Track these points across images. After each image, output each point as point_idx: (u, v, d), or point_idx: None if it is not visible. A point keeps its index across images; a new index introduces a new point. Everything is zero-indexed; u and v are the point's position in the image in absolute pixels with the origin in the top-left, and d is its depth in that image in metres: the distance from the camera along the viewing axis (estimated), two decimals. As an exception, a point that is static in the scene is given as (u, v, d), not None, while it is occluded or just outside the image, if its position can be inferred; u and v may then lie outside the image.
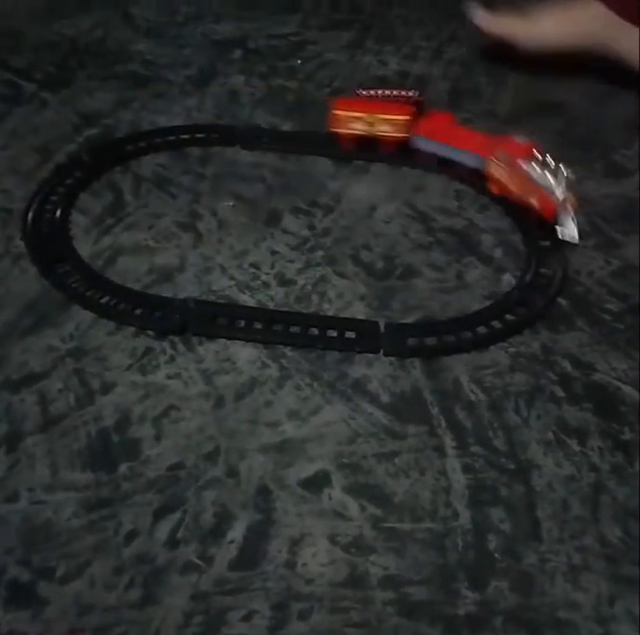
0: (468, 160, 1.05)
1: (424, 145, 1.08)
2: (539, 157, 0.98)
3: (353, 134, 1.09)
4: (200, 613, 0.64)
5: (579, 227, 0.99)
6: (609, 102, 1.25)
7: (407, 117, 1.08)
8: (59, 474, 0.72)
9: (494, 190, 1.04)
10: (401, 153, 1.09)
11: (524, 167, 0.97)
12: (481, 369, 0.84)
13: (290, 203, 1.03)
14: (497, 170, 1.02)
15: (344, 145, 1.10)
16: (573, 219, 0.96)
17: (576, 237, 0.96)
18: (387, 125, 1.07)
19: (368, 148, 1.10)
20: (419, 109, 1.15)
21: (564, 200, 0.95)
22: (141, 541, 0.68)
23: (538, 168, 0.96)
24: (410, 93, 1.16)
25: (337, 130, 1.09)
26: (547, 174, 0.95)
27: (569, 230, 0.96)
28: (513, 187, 1.00)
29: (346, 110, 1.08)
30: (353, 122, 1.07)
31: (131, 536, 0.68)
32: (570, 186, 0.96)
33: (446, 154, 1.07)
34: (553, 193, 0.95)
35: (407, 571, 0.67)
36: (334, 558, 0.68)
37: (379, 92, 1.16)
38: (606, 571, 0.68)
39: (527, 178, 0.97)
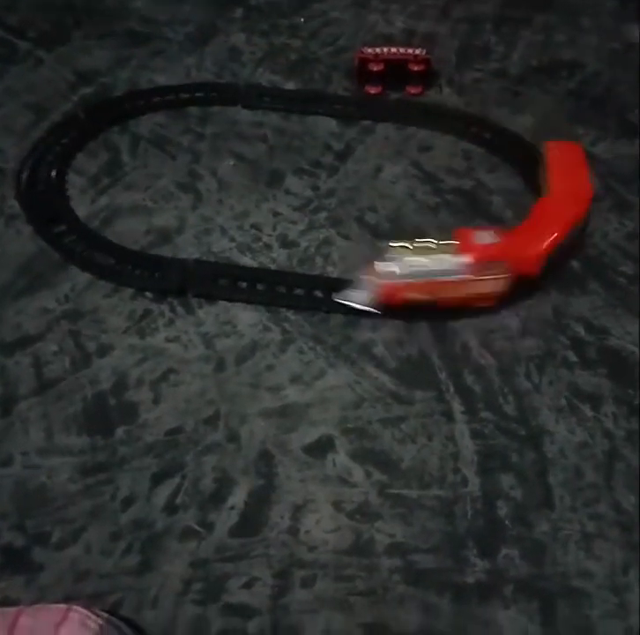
0: None
1: None
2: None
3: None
4: (199, 580, 0.62)
5: (594, 190, 0.96)
6: (621, 61, 1.21)
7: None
8: (54, 438, 0.70)
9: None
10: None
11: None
12: (491, 333, 0.81)
13: (293, 163, 1.00)
14: None
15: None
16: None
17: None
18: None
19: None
20: (426, 68, 1.11)
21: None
22: (138, 507, 0.66)
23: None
24: (417, 52, 1.12)
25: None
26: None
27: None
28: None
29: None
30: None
31: (129, 501, 0.66)
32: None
33: None
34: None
35: (414, 538, 0.65)
36: (338, 525, 0.66)
37: (385, 50, 1.12)
38: (619, 539, 0.66)
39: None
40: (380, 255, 0.81)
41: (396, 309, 0.81)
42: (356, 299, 0.81)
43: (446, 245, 0.81)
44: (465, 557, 0.64)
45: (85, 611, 0.54)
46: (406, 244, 0.82)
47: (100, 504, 0.65)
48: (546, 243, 0.82)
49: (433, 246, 0.81)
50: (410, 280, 0.80)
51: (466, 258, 0.80)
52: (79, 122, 1.03)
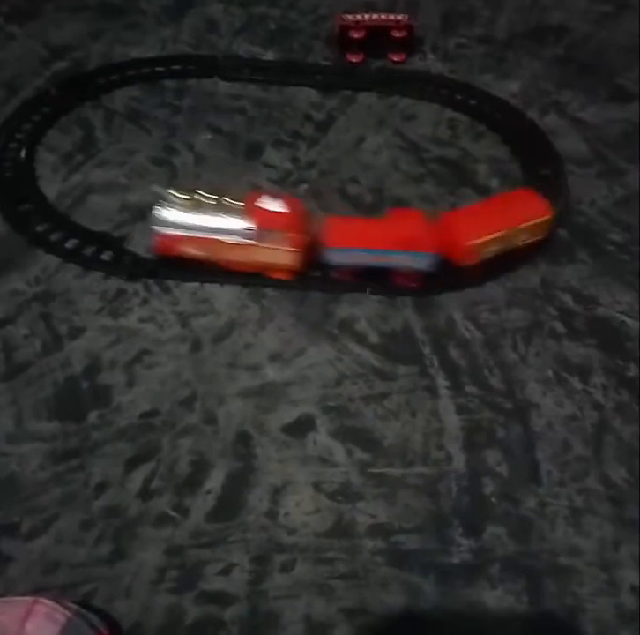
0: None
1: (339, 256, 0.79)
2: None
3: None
4: (175, 568, 0.60)
5: (581, 156, 0.93)
6: (611, 24, 1.17)
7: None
8: (24, 424, 0.68)
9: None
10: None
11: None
12: (476, 306, 0.79)
13: (272, 135, 0.97)
14: None
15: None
16: None
17: None
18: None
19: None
20: (409, 34, 1.08)
21: None
22: (112, 493, 0.64)
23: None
24: (399, 18, 1.08)
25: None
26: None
27: None
28: None
29: None
30: None
31: (101, 488, 0.64)
32: None
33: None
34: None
35: (397, 518, 0.63)
36: (319, 507, 0.64)
37: (366, 16, 1.08)
38: (609, 514, 0.64)
39: None
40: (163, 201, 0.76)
41: (174, 259, 0.78)
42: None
43: (232, 205, 0.77)
44: (450, 537, 0.62)
45: (52, 603, 0.52)
46: (189, 196, 0.77)
47: (72, 492, 0.63)
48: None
49: (218, 202, 0.77)
50: (186, 233, 0.76)
51: (250, 222, 0.76)
52: (51, 98, 0.99)
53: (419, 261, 0.77)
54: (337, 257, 0.78)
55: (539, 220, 0.80)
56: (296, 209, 0.77)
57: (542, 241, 0.83)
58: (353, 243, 0.77)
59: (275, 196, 0.77)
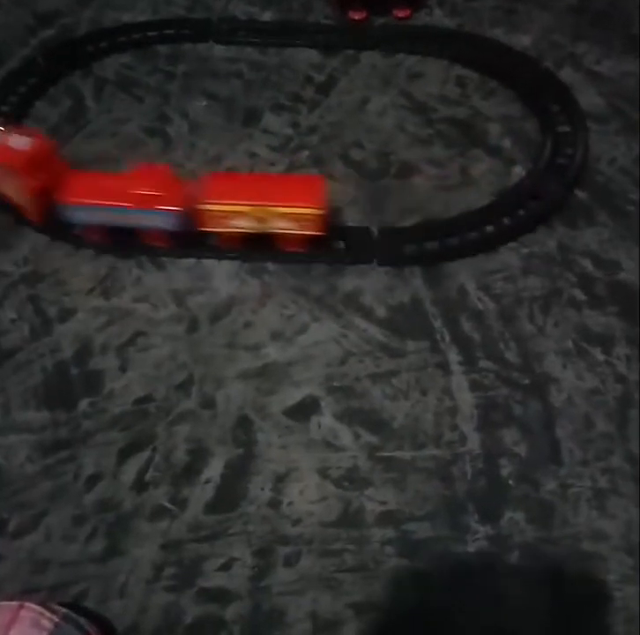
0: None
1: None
2: None
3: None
4: (172, 564, 0.56)
5: (599, 111, 0.88)
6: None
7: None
8: (11, 414, 0.64)
9: None
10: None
11: None
12: (490, 274, 0.74)
13: (271, 99, 0.92)
14: None
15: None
16: None
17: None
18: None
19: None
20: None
21: None
22: (104, 486, 0.60)
23: None
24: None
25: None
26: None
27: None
28: None
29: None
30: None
31: (93, 480, 0.61)
32: None
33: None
34: None
35: (408, 505, 0.59)
36: (325, 494, 0.60)
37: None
38: (636, 495, 0.60)
39: None
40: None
41: None
42: None
43: None
44: (465, 524, 0.58)
45: (38, 608, 0.48)
46: None
47: (62, 485, 0.60)
48: None
49: None
50: None
51: None
52: (38, 67, 0.95)
53: (162, 220, 0.72)
54: (74, 215, 0.72)
55: (300, 211, 0.71)
56: (42, 150, 0.72)
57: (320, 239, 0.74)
58: (90, 200, 0.71)
59: (28, 133, 0.73)
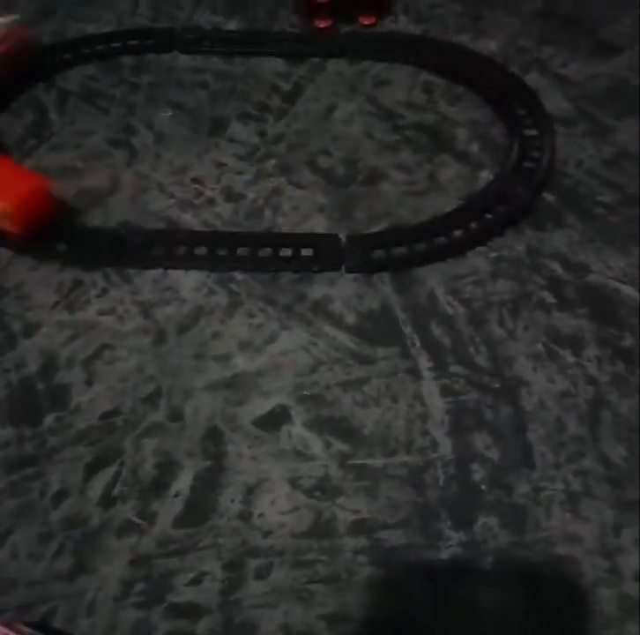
0: None
1: None
2: None
3: None
4: (141, 580, 0.55)
5: (566, 115, 0.88)
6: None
7: None
8: (-26, 431, 0.63)
9: None
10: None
11: None
12: (459, 279, 0.74)
13: (237, 108, 0.92)
14: None
15: None
16: None
17: None
18: None
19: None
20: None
21: None
22: (71, 502, 0.59)
23: None
24: (368, -22, 1.02)
25: None
26: None
27: None
28: None
29: None
30: None
31: (60, 497, 0.59)
32: None
33: None
34: None
35: (381, 513, 0.59)
36: (296, 505, 0.59)
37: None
38: (609, 497, 0.59)
39: None
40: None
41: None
42: None
43: None
44: (439, 530, 0.58)
45: (4, 629, 0.47)
46: None
47: (28, 503, 0.59)
48: None
49: None
50: None
51: None
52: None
53: None
54: None
55: None
56: None
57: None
58: None
59: None
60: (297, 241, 0.76)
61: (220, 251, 0.76)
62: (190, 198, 0.81)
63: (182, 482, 0.60)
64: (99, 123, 0.90)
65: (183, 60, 0.98)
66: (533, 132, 0.87)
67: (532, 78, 0.95)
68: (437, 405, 0.65)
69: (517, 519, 0.58)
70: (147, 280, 0.74)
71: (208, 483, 0.60)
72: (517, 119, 0.89)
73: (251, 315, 0.71)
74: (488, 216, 0.78)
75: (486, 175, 0.84)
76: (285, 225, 0.79)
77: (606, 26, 1.02)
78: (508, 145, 0.86)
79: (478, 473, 0.61)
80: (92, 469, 0.61)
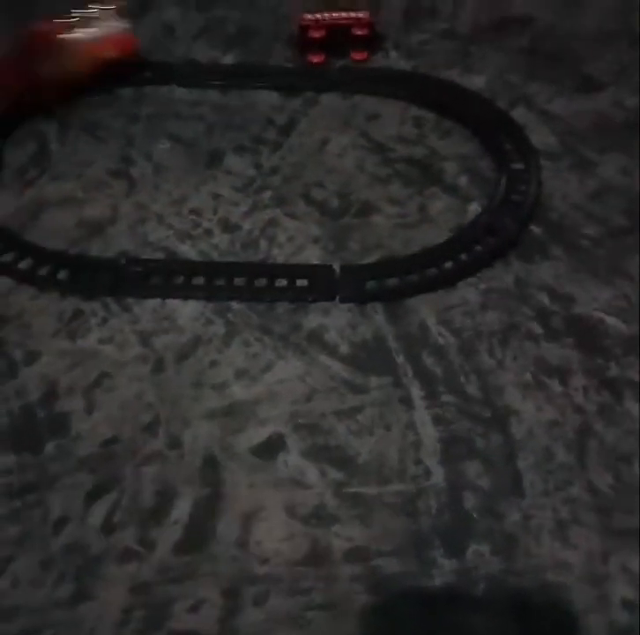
0: None
1: None
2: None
3: None
4: (141, 607, 0.56)
5: (551, 149, 0.91)
6: (574, 13, 1.15)
7: None
8: (-24, 459, 0.64)
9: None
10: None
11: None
12: (450, 310, 0.76)
13: (233, 141, 0.94)
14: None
15: None
16: None
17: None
18: None
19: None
20: (370, 32, 1.05)
21: None
22: (72, 530, 0.60)
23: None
24: (360, 15, 1.05)
25: None
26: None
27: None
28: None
29: None
30: None
31: (61, 524, 0.60)
32: None
33: None
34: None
35: (375, 541, 0.60)
36: (292, 532, 0.60)
37: (326, 15, 1.05)
38: (597, 525, 0.61)
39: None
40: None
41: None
42: None
43: None
44: (432, 558, 0.59)
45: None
46: None
47: (29, 530, 0.60)
48: None
49: None
50: None
51: None
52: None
53: None
54: None
55: None
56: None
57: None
58: None
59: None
60: (292, 271, 0.78)
61: (217, 281, 0.77)
62: (188, 229, 0.83)
63: (181, 510, 0.61)
64: (98, 153, 0.92)
65: (181, 93, 1.00)
66: (520, 166, 0.90)
67: (519, 113, 0.97)
68: (429, 433, 0.66)
69: (507, 547, 0.60)
70: (146, 310, 0.75)
71: (206, 511, 0.61)
72: (504, 153, 0.91)
73: (248, 344, 0.73)
74: (478, 248, 0.80)
75: (474, 208, 0.86)
76: (280, 256, 0.81)
77: (589, 62, 1.05)
78: (496, 178, 0.89)
79: (469, 501, 0.62)
80: (92, 496, 0.62)
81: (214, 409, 0.68)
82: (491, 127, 0.95)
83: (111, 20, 0.96)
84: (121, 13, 0.97)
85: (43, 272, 0.78)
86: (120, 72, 0.98)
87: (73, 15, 0.95)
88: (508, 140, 0.93)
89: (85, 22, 0.94)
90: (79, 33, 0.94)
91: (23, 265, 0.79)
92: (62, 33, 0.93)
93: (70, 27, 0.94)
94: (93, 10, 0.95)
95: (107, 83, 0.98)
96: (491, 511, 0.62)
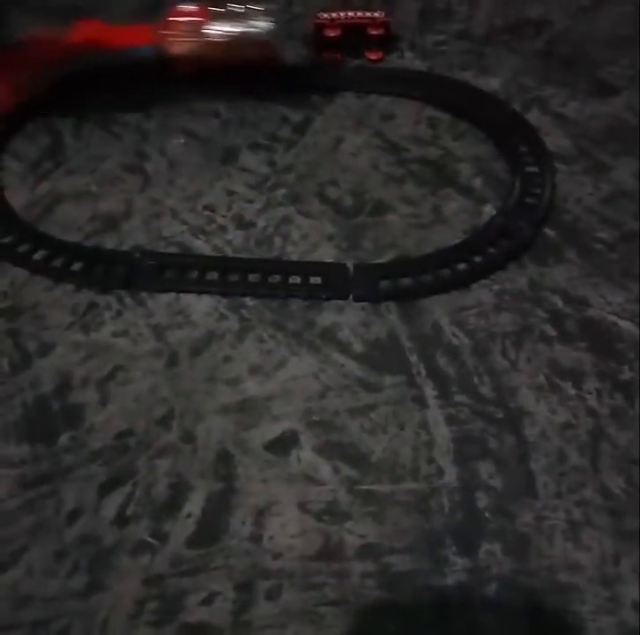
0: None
1: None
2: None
3: None
4: (154, 598, 0.56)
5: (566, 153, 0.91)
6: (590, 17, 1.15)
7: None
8: (-9, 448, 0.64)
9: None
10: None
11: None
12: (463, 310, 0.76)
13: (248, 138, 0.94)
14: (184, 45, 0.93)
15: None
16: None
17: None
18: None
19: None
20: (386, 32, 1.05)
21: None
22: (85, 521, 0.60)
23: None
24: (375, 15, 1.05)
25: None
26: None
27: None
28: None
29: None
30: None
31: (74, 515, 0.61)
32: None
33: None
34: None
35: (388, 538, 0.60)
36: (305, 528, 0.60)
37: (341, 14, 1.05)
38: (609, 527, 0.61)
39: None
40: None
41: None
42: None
43: None
44: (444, 556, 0.59)
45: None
46: None
47: (43, 520, 0.60)
48: None
49: None
50: None
51: None
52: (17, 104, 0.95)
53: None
54: None
55: None
56: None
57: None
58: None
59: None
60: (306, 269, 0.78)
61: (232, 277, 0.77)
62: (202, 225, 0.83)
63: (194, 504, 0.61)
64: (113, 148, 0.92)
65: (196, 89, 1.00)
66: (535, 169, 0.90)
67: (533, 116, 0.97)
68: (443, 433, 0.66)
69: (520, 547, 0.60)
70: (160, 304, 0.75)
71: (220, 505, 0.61)
72: (518, 156, 0.91)
73: (261, 340, 0.73)
74: (492, 250, 0.80)
75: (489, 210, 0.86)
76: (294, 253, 0.81)
77: (604, 67, 1.06)
78: (510, 180, 0.89)
79: (482, 500, 0.62)
80: (105, 488, 0.62)
81: (228, 404, 0.68)
82: (506, 129, 0.95)
83: (258, 20, 0.94)
84: (269, 15, 0.95)
85: (58, 263, 0.78)
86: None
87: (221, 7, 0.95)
88: (522, 143, 0.93)
89: (231, 16, 0.94)
90: (220, 26, 0.93)
91: (37, 256, 0.78)
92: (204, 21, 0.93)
93: (214, 17, 0.94)
94: (240, 7, 0.94)
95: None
96: (504, 511, 0.62)
